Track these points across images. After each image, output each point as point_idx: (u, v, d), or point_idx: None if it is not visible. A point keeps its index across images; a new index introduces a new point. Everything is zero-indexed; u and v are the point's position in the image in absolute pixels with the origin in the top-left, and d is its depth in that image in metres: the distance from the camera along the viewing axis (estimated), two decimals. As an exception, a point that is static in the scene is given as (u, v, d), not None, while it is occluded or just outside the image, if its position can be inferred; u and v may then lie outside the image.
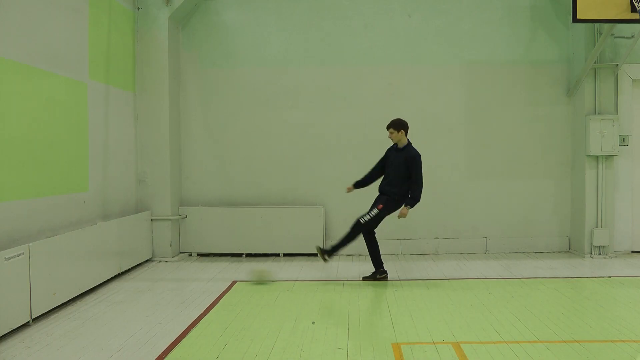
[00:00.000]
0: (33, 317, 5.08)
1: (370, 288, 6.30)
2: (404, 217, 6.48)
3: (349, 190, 6.90)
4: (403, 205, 6.46)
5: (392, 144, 6.71)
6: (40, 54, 5.74)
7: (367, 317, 5.18)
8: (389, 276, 6.77)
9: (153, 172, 8.03)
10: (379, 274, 6.66)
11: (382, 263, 6.71)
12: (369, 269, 6.83)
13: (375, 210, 6.49)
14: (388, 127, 6.60)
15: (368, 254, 6.72)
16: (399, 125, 6.55)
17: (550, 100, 8.33)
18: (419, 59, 8.36)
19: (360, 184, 6.87)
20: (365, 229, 6.55)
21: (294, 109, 8.42)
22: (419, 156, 6.48)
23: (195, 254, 8.38)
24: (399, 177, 6.50)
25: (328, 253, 6.65)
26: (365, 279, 6.72)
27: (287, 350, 4.35)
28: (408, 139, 6.63)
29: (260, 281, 6.63)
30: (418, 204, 6.50)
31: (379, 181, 6.82)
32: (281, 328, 4.88)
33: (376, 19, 8.36)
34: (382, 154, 6.74)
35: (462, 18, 8.34)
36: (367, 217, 6.51)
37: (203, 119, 8.49)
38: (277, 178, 8.44)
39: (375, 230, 6.67)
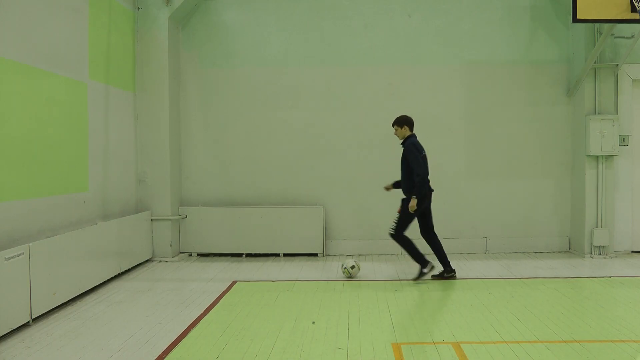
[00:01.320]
0: (33, 317, 5.08)
1: (370, 288, 6.30)
2: (413, 209, 6.36)
3: (387, 189, 6.87)
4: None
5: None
6: (40, 54, 5.74)
7: (367, 317, 5.17)
8: (389, 277, 6.77)
9: (153, 172, 8.03)
10: (446, 272, 6.61)
11: (449, 262, 6.65)
12: (370, 268, 6.83)
13: (397, 215, 6.47)
14: (393, 125, 6.64)
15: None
16: (402, 122, 6.59)
17: (550, 100, 8.32)
18: (419, 59, 8.36)
19: (397, 184, 6.82)
20: (398, 236, 6.47)
21: (294, 109, 8.42)
22: (413, 144, 6.45)
23: (195, 254, 8.38)
24: (406, 171, 6.50)
25: (419, 275, 6.51)
26: (434, 277, 6.62)
27: (287, 350, 4.35)
28: (413, 133, 6.61)
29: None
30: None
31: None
32: (281, 328, 4.88)
33: (376, 19, 8.36)
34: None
35: (462, 18, 8.34)
36: (392, 226, 6.50)
37: (203, 119, 8.49)
38: (277, 178, 8.44)
39: (433, 232, 6.67)
